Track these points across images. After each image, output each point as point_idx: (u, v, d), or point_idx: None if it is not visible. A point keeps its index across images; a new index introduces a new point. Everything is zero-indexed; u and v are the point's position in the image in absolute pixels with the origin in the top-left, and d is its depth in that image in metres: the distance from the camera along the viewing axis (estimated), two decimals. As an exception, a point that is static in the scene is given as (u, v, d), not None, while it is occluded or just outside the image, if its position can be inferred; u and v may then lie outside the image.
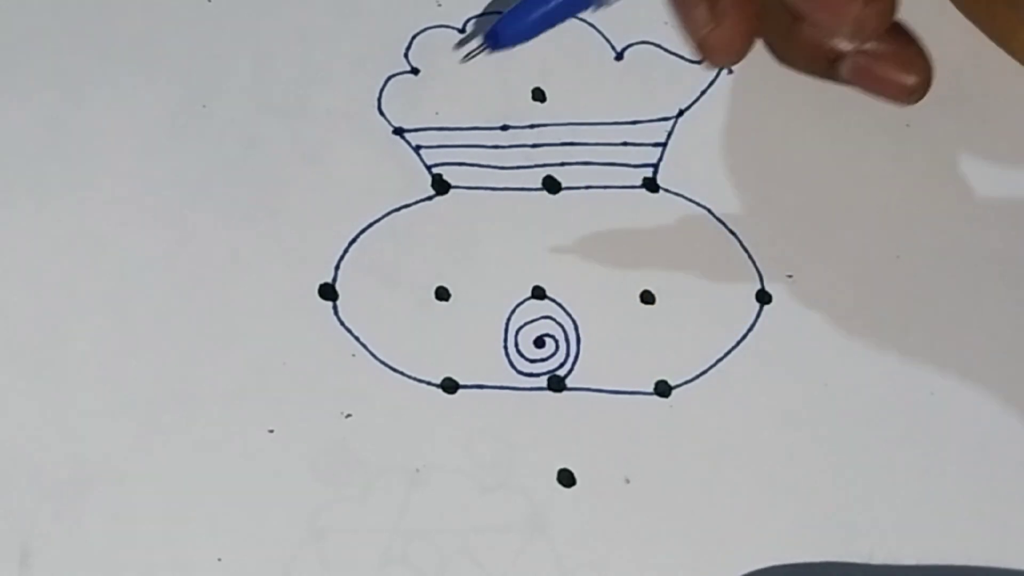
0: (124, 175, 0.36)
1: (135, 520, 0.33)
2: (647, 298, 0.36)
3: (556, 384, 0.35)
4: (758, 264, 0.37)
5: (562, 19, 0.33)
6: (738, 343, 0.36)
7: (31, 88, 0.37)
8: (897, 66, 0.33)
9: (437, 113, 0.38)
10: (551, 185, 0.38)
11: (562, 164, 0.38)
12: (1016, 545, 0.34)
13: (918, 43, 0.33)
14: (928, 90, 0.33)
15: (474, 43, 0.34)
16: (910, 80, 0.33)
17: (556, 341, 0.36)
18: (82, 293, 0.35)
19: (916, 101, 0.33)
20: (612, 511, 0.34)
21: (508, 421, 0.34)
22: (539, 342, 0.36)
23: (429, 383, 0.35)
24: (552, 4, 0.33)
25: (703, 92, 0.39)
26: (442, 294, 0.36)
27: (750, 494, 0.34)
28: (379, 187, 0.37)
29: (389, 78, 0.39)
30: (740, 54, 0.33)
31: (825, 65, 0.33)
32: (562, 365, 0.35)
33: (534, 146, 0.38)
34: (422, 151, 0.38)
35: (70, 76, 0.38)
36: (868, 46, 0.32)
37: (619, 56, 0.39)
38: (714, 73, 0.39)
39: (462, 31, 0.39)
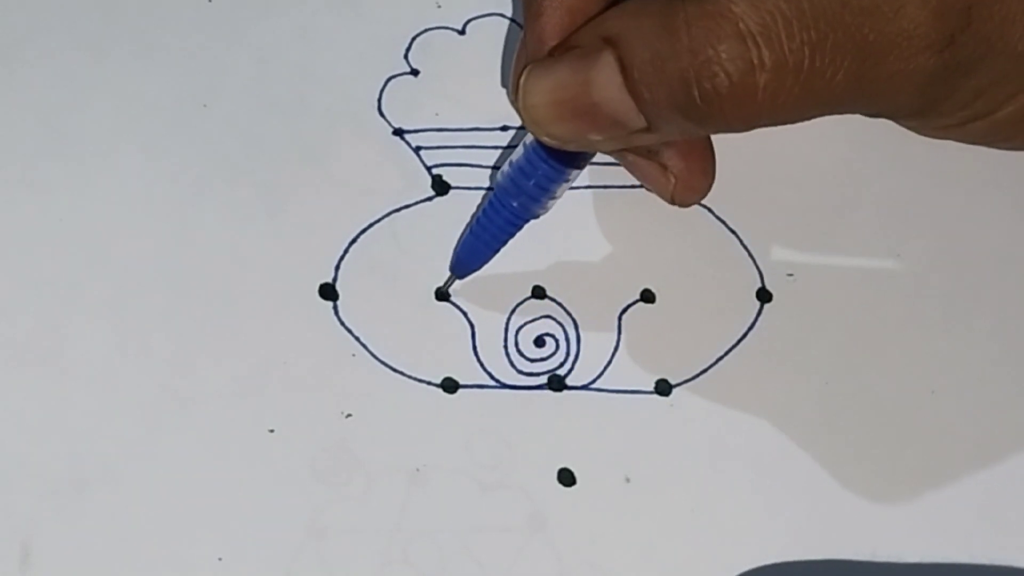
0: (124, 174, 0.36)
1: (135, 520, 0.33)
2: (647, 297, 0.36)
3: (556, 384, 0.35)
4: (758, 263, 0.36)
5: (508, 238, 0.35)
6: (738, 342, 0.36)
7: (31, 88, 0.37)
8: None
9: (437, 114, 0.38)
10: (551, 185, 0.37)
11: (562, 164, 0.38)
12: (1016, 545, 0.34)
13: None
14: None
15: (446, 279, 0.36)
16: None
17: (556, 341, 0.36)
18: (82, 293, 0.35)
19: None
20: (612, 511, 0.34)
21: (508, 421, 0.34)
22: (539, 342, 0.36)
23: (429, 383, 0.35)
24: (494, 229, 0.34)
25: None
26: (442, 294, 0.36)
27: (750, 493, 0.34)
28: (379, 187, 0.37)
29: (389, 79, 0.39)
30: (708, 188, 0.35)
31: None
32: (562, 365, 0.35)
33: (534, 146, 0.38)
34: (422, 152, 0.38)
35: (70, 76, 0.38)
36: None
37: (619, 56, 0.39)
38: None
39: (462, 32, 0.39)
